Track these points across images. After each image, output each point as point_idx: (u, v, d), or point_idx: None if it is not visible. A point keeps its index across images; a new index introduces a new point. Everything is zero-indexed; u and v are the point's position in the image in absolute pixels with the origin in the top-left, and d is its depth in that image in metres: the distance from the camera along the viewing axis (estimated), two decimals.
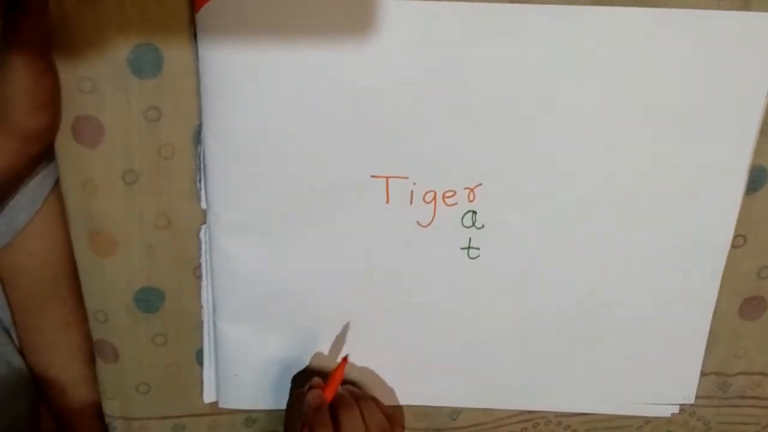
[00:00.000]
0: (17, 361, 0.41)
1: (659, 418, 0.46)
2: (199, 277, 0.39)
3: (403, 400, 0.43)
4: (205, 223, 0.38)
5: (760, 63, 0.36)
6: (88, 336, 0.40)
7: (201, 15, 0.32)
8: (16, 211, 0.36)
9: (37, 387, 0.42)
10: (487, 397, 0.44)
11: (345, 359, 0.39)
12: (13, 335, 0.41)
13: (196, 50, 0.33)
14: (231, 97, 0.34)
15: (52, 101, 0.32)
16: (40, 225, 0.37)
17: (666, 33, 0.35)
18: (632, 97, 0.36)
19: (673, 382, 0.44)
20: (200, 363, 0.41)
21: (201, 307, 0.40)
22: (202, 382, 0.42)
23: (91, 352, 0.41)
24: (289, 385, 0.42)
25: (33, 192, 0.36)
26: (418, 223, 0.38)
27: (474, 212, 0.38)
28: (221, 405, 0.42)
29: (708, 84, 0.36)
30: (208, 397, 0.42)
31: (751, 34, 0.35)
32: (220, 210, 0.37)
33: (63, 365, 0.42)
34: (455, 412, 0.45)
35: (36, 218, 0.37)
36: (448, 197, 0.38)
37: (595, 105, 0.36)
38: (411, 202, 0.38)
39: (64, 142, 0.34)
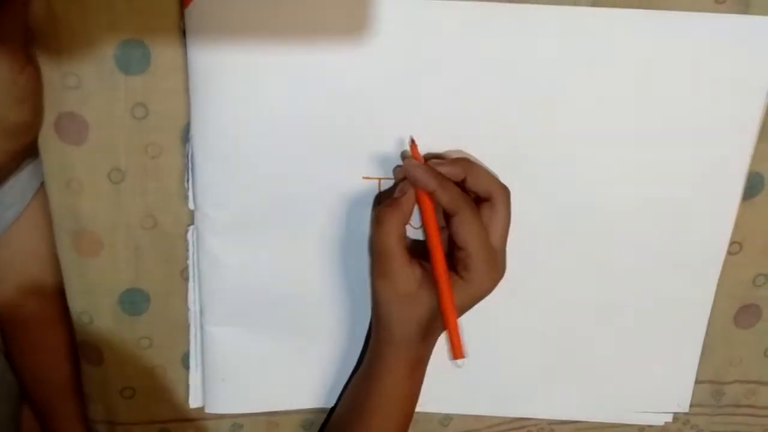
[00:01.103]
0: (0, 361, 0.40)
1: (653, 426, 0.45)
2: (186, 279, 0.38)
3: None
4: (192, 224, 0.37)
5: (759, 67, 0.35)
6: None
7: (190, 11, 0.32)
8: (5, 207, 0.36)
9: (20, 387, 0.41)
10: (479, 403, 0.44)
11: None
12: None
13: (185, 47, 0.33)
14: (220, 96, 0.34)
15: (33, 96, 0.31)
16: (29, 221, 0.37)
17: (665, 36, 0.35)
18: (629, 100, 0.36)
19: (667, 389, 0.44)
20: (186, 367, 0.41)
21: (188, 309, 0.39)
22: (188, 386, 0.41)
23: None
24: (276, 390, 0.41)
25: (22, 187, 0.36)
26: (410, 224, 0.38)
27: None
28: (208, 410, 0.41)
29: (706, 88, 0.36)
30: (195, 402, 0.41)
31: (750, 38, 0.35)
32: (208, 211, 0.36)
33: (49, 365, 0.41)
34: (446, 419, 0.45)
35: (25, 214, 0.36)
36: None
37: (592, 108, 0.36)
38: None
39: (47, 139, 0.34)
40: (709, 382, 0.45)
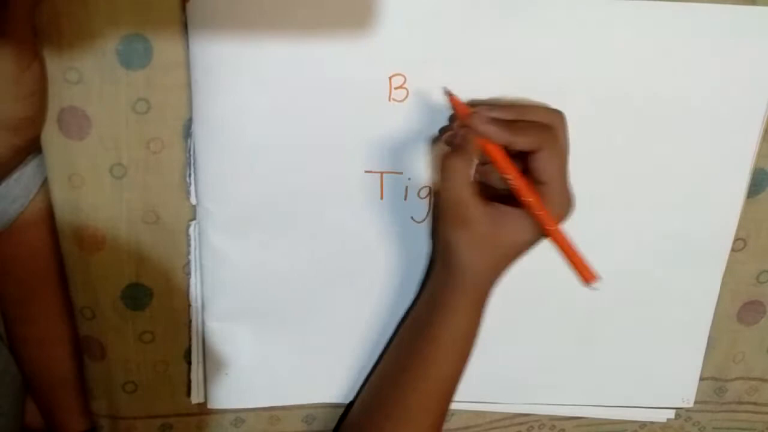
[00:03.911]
0: (3, 354, 0.40)
1: (654, 423, 0.45)
2: (188, 275, 0.38)
3: None
4: (194, 219, 0.37)
5: (764, 61, 0.35)
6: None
7: (191, 5, 0.32)
8: (10, 200, 0.36)
9: (24, 380, 0.41)
10: (481, 397, 0.44)
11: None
12: (0, 328, 0.41)
13: (187, 41, 0.32)
14: (222, 90, 0.33)
15: (37, 92, 0.31)
16: (33, 215, 0.37)
17: (668, 27, 0.34)
18: (633, 94, 0.36)
19: (672, 384, 0.44)
20: (189, 362, 0.41)
21: (189, 305, 0.39)
22: (189, 381, 0.41)
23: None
24: (278, 385, 0.41)
25: (27, 181, 0.36)
26: (412, 218, 0.38)
27: None
28: (210, 405, 0.41)
29: (710, 83, 0.36)
30: (196, 397, 0.41)
31: (756, 31, 0.34)
32: (210, 206, 0.36)
33: (53, 358, 0.41)
34: (448, 414, 0.44)
35: (30, 208, 0.36)
36: None
37: (596, 102, 0.36)
38: (405, 198, 0.37)
39: (49, 134, 0.34)
40: (712, 378, 0.45)
